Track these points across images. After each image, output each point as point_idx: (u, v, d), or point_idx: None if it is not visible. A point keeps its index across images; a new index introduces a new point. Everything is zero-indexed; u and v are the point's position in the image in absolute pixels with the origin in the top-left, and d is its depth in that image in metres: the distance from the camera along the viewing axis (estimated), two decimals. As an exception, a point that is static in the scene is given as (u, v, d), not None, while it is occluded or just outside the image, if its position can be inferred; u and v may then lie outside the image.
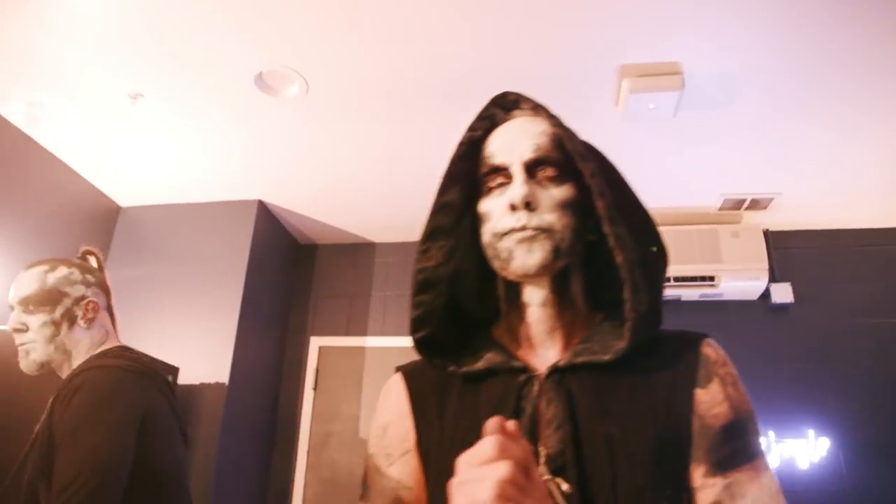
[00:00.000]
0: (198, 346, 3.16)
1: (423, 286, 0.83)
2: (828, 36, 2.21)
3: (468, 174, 0.86)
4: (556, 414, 0.74)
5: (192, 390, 3.07)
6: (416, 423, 0.83)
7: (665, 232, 0.79)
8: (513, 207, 0.77)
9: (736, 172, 3.14)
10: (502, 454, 0.54)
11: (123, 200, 3.57)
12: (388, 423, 0.86)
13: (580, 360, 0.76)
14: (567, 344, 0.81)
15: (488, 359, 0.81)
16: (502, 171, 0.81)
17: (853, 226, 3.63)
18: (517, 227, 0.77)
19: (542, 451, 0.72)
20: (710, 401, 0.74)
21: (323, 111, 2.73)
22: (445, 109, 2.67)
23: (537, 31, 2.24)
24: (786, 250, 3.63)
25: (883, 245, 3.58)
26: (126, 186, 3.42)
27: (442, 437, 0.79)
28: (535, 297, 0.81)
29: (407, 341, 0.85)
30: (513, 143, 0.81)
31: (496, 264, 0.81)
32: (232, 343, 3.17)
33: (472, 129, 0.87)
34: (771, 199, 3.34)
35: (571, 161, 0.80)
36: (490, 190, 0.83)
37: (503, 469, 0.52)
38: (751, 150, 2.93)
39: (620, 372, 0.75)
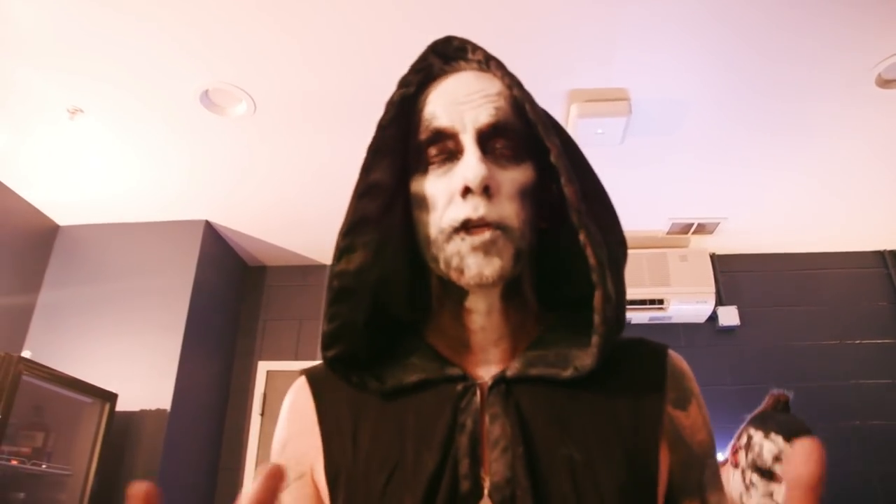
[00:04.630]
0: (138, 371, 3.03)
1: (340, 296, 0.66)
2: (766, 68, 2.28)
3: (399, 143, 0.67)
4: (504, 432, 0.60)
5: (132, 417, 2.93)
6: (325, 442, 0.66)
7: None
8: (467, 191, 0.60)
9: (683, 197, 3.20)
10: None
11: (62, 219, 3.43)
12: (287, 438, 0.70)
13: (534, 372, 0.63)
14: (514, 348, 0.67)
15: (417, 367, 0.66)
16: (447, 137, 0.64)
17: (792, 250, 3.75)
18: (474, 218, 0.60)
19: (487, 479, 0.58)
20: (693, 426, 0.65)
21: (270, 130, 2.68)
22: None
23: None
24: (731, 273, 3.71)
25: (819, 269, 3.71)
26: (65, 205, 3.29)
27: (356, 461, 0.64)
28: (480, 305, 0.66)
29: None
30: (462, 103, 0.64)
31: (439, 267, 0.65)
32: (175, 367, 3.06)
33: (403, 83, 0.69)
34: (717, 224, 3.42)
35: (531, 134, 0.65)
36: (430, 163, 0.65)
37: None
38: (697, 176, 3.00)
39: (577, 385, 0.63)
